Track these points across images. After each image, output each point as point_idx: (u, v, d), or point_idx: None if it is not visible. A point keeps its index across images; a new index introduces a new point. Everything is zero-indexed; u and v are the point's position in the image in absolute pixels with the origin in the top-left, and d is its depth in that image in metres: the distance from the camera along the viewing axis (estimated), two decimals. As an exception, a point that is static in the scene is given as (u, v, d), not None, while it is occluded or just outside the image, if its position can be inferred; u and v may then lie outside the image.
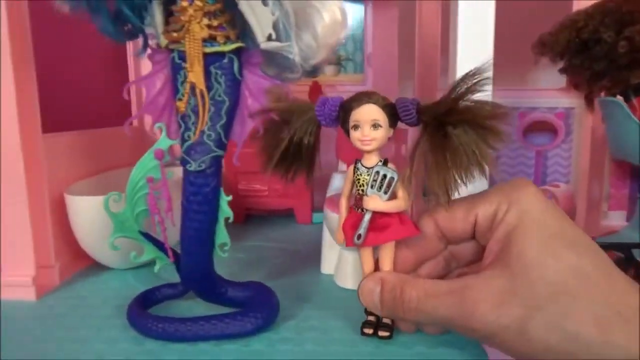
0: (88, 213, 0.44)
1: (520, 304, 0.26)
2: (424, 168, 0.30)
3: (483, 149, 0.29)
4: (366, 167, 0.33)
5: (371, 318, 0.33)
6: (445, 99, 0.30)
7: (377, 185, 0.32)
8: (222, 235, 0.35)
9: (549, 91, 0.63)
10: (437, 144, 0.29)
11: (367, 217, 0.32)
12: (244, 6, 0.30)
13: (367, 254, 0.33)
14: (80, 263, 0.48)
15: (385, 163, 0.32)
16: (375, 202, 0.31)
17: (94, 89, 0.70)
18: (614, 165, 0.63)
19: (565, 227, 0.27)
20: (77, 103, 0.66)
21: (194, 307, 0.38)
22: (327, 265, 0.47)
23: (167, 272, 0.47)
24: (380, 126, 0.31)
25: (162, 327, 0.34)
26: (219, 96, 0.32)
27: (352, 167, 0.34)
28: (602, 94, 0.58)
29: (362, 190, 0.32)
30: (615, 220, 0.66)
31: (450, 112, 0.29)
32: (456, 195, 0.30)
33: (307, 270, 0.47)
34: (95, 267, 0.48)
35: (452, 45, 0.38)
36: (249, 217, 0.67)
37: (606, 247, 0.36)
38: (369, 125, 0.31)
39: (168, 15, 0.32)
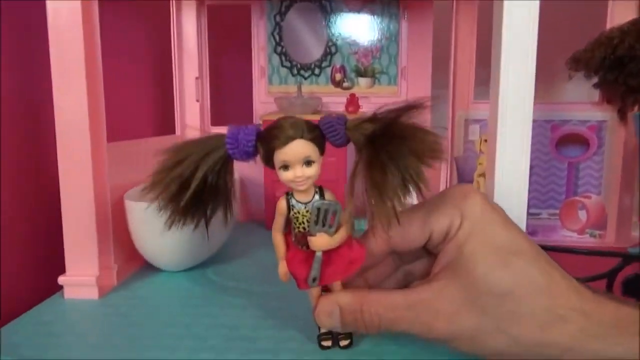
0: (146, 218, 0.46)
1: (470, 315, 0.27)
2: (365, 192, 0.28)
3: (419, 168, 0.27)
4: (303, 203, 0.29)
5: (324, 330, 0.33)
6: (380, 117, 0.28)
7: (320, 222, 0.29)
8: None
9: (582, 104, 0.65)
10: (373, 166, 0.27)
11: (319, 257, 0.29)
12: None
13: None
14: (134, 265, 0.51)
15: (321, 193, 0.30)
16: (324, 240, 0.29)
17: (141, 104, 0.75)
18: (645, 177, 0.64)
19: (512, 235, 0.28)
20: (128, 117, 0.70)
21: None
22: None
23: (218, 275, 0.50)
24: (313, 161, 0.28)
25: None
26: None
27: (283, 200, 0.30)
28: (636, 108, 0.59)
29: (304, 228, 0.29)
30: (646, 231, 0.66)
31: (387, 130, 0.28)
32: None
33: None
34: (148, 269, 0.51)
35: (495, 59, 0.35)
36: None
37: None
38: (301, 164, 0.28)
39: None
